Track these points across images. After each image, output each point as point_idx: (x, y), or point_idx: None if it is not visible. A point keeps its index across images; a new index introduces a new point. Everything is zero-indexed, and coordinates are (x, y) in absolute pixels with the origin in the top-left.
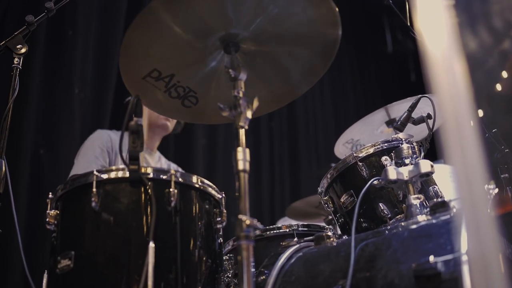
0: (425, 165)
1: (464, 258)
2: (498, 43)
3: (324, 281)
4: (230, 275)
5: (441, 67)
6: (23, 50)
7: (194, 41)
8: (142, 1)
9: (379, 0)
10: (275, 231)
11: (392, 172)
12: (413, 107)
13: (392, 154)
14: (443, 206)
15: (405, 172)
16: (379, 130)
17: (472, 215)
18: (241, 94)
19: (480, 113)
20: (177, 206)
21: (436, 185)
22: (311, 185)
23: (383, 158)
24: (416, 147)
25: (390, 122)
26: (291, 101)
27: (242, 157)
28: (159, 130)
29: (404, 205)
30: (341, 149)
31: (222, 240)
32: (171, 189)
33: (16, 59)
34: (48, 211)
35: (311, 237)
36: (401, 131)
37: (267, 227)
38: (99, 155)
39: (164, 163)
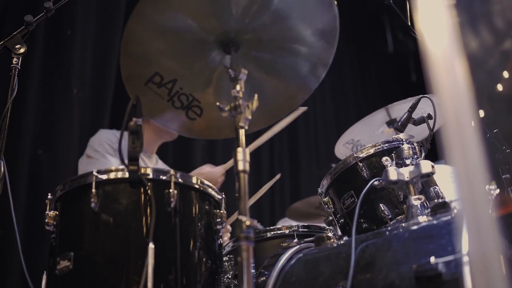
0: (426, 166)
1: (465, 259)
2: (499, 43)
3: (324, 282)
4: (230, 276)
5: (441, 67)
6: (21, 50)
7: (193, 41)
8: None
9: None
10: (275, 232)
11: (393, 173)
12: (413, 107)
13: (393, 154)
14: (444, 207)
15: (405, 172)
16: (380, 131)
17: (473, 216)
18: (240, 94)
19: (481, 113)
20: (176, 207)
21: (437, 186)
22: (311, 185)
23: (384, 158)
24: (416, 147)
25: (391, 123)
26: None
27: (242, 157)
28: (166, 136)
29: (404, 206)
30: (342, 149)
31: (222, 241)
32: (170, 190)
33: (14, 59)
34: (47, 212)
35: (311, 238)
36: (401, 131)
37: (267, 228)
38: (112, 152)
39: (161, 165)
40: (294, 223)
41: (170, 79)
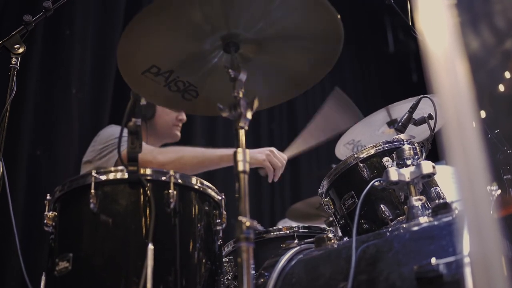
0: (426, 166)
1: (466, 260)
2: (501, 43)
3: (325, 283)
4: (230, 277)
5: (442, 67)
6: (20, 50)
7: (193, 39)
8: (140, 1)
9: None
10: (275, 233)
11: (394, 173)
12: (414, 107)
13: (394, 155)
14: (445, 207)
15: (406, 173)
16: (380, 131)
17: (474, 217)
18: (240, 95)
19: (482, 113)
20: (176, 208)
21: (438, 187)
22: (312, 186)
23: (385, 159)
24: (417, 148)
25: (392, 123)
26: (288, 99)
27: (242, 158)
28: (167, 139)
29: (405, 206)
30: (342, 150)
31: (221, 242)
32: (170, 191)
33: (13, 59)
34: (46, 213)
35: (311, 239)
36: (402, 132)
37: (267, 229)
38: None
39: None
40: (294, 224)
41: (167, 70)
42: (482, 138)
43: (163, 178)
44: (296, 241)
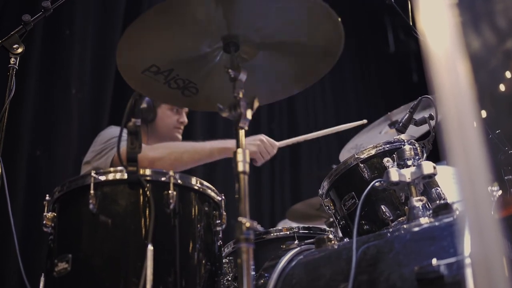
0: (427, 167)
1: (467, 261)
2: (502, 42)
3: (325, 284)
4: (230, 278)
5: (443, 67)
6: (19, 50)
7: (193, 39)
8: (140, 1)
9: None
10: (275, 234)
11: (394, 174)
12: (414, 108)
13: (394, 155)
14: (446, 208)
15: (407, 173)
16: (382, 132)
17: (476, 218)
18: (240, 95)
19: (484, 113)
20: (176, 208)
21: (439, 187)
22: (312, 187)
23: (385, 159)
24: (418, 148)
25: (393, 124)
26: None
27: (242, 158)
28: (168, 140)
29: (406, 207)
30: (346, 155)
31: (221, 243)
32: (170, 191)
33: (12, 59)
34: (45, 213)
35: (312, 240)
36: (403, 132)
37: (268, 229)
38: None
39: None
40: (294, 224)
41: (167, 69)
42: (483, 138)
43: (163, 179)
44: (296, 242)
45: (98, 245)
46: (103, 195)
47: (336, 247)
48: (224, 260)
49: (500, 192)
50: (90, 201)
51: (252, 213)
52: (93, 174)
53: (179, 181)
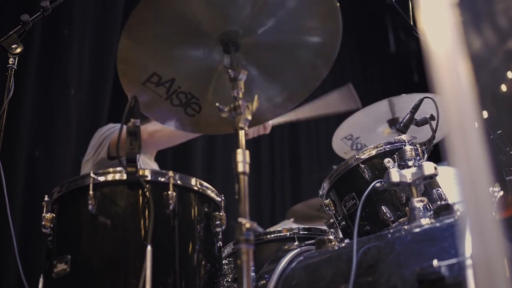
0: (428, 167)
1: (469, 262)
2: (503, 42)
3: (325, 286)
4: (229, 280)
5: (444, 67)
6: (18, 50)
7: (192, 40)
8: (139, 1)
9: None
10: (275, 235)
11: (395, 175)
12: (416, 108)
13: (395, 156)
14: (447, 209)
15: (408, 174)
16: (380, 130)
17: (477, 218)
18: (240, 95)
19: (485, 114)
20: (175, 209)
21: (440, 188)
22: (312, 187)
23: (386, 160)
24: (419, 149)
25: (393, 123)
26: (292, 108)
27: (242, 159)
28: None
29: (407, 208)
30: (340, 144)
31: (221, 244)
32: (169, 192)
33: (11, 59)
34: (44, 214)
35: (312, 241)
36: (404, 132)
37: (267, 230)
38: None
39: None
40: (294, 225)
41: (168, 79)
42: (485, 138)
43: (162, 179)
44: (296, 243)
45: (97, 246)
46: (102, 196)
47: (336, 248)
48: (224, 261)
49: (501, 192)
50: (89, 202)
51: (252, 214)
52: (92, 174)
53: (178, 182)
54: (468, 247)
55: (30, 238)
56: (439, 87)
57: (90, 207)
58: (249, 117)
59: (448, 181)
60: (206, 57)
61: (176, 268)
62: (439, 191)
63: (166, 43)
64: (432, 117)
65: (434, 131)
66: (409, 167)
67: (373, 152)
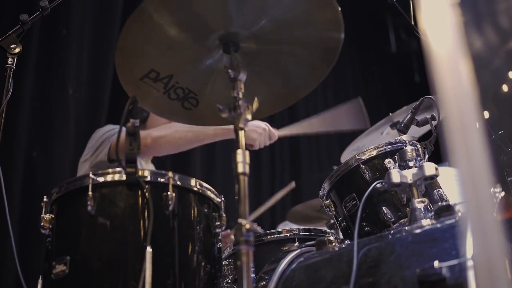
0: (429, 168)
1: (470, 263)
2: (505, 42)
3: (326, 287)
4: (229, 281)
5: (446, 67)
6: (17, 50)
7: (192, 40)
8: (138, 1)
9: None
10: (275, 236)
11: (396, 175)
12: (416, 108)
13: (396, 156)
14: (448, 210)
15: (409, 175)
16: (384, 133)
17: (478, 219)
18: (240, 95)
19: (486, 114)
20: (175, 210)
21: (441, 188)
22: (313, 188)
23: (387, 160)
24: (420, 149)
25: (394, 124)
26: (292, 104)
27: (242, 159)
28: None
29: (408, 209)
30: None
31: (221, 245)
32: (169, 193)
33: (9, 59)
34: (42, 215)
35: (312, 242)
36: (404, 133)
37: (268, 231)
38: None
39: None
40: (295, 226)
41: (166, 75)
42: (486, 139)
43: (162, 180)
44: (296, 244)
45: (97, 247)
46: (101, 196)
47: (337, 249)
48: (223, 262)
49: (502, 193)
50: (88, 202)
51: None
52: (91, 175)
53: (178, 183)
54: (469, 248)
55: (28, 239)
56: (440, 87)
57: (89, 208)
58: (249, 117)
59: (449, 182)
60: (205, 55)
61: (175, 269)
62: (440, 192)
63: (166, 40)
64: (433, 117)
65: (435, 132)
66: (410, 167)
67: (374, 153)
